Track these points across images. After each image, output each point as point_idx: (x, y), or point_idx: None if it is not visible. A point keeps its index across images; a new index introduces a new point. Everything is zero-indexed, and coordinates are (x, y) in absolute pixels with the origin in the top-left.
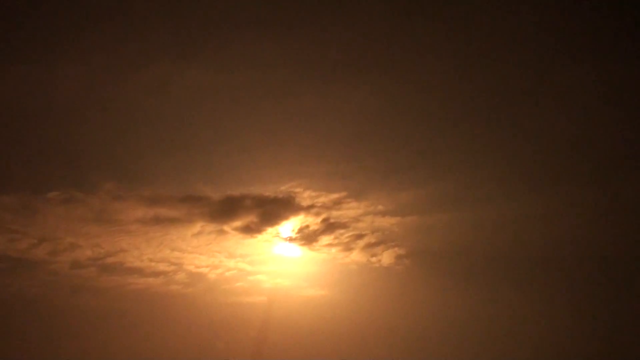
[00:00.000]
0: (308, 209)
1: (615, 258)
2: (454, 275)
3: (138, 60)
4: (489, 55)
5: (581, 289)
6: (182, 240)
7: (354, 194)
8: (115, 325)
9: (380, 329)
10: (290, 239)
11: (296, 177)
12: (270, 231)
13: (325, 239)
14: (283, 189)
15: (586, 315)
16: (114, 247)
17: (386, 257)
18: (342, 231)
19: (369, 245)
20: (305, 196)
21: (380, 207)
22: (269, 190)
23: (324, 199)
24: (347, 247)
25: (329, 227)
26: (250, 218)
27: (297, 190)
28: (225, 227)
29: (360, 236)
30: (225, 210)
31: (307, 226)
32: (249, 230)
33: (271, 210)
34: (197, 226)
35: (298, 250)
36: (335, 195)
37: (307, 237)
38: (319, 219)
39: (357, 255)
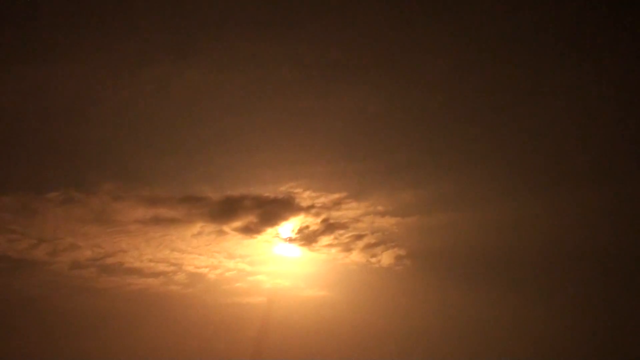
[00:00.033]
0: (308, 209)
1: (616, 258)
2: (454, 275)
3: (137, 61)
4: (489, 55)
5: (581, 289)
6: (182, 240)
7: (353, 195)
8: (114, 326)
9: (380, 330)
10: (290, 240)
11: (296, 177)
12: (269, 232)
13: (325, 240)
14: (283, 189)
15: (586, 316)
16: (113, 248)
17: (386, 258)
18: (341, 232)
19: (369, 246)
20: (305, 196)
21: (380, 208)
22: (268, 190)
23: (323, 199)
24: (347, 248)
25: (329, 227)
26: (250, 218)
27: (297, 190)
28: (225, 228)
29: (360, 237)
30: (224, 210)
31: (307, 226)
32: (249, 230)
33: (271, 211)
34: (197, 226)
35: (298, 251)
36: (335, 196)
37: (307, 238)
38: (319, 220)
39: (356, 256)
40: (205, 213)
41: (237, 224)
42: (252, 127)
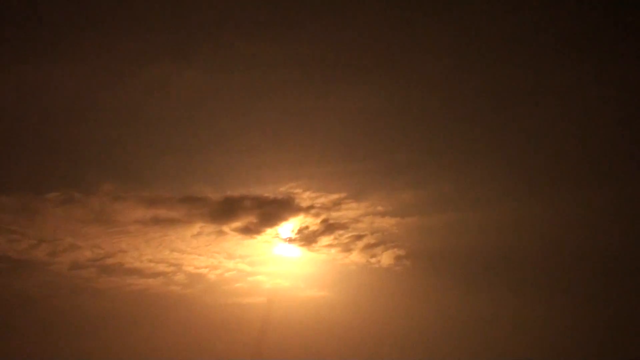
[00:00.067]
0: (307, 209)
1: (616, 258)
2: (453, 276)
3: (137, 61)
4: (489, 55)
5: (581, 290)
6: (182, 241)
7: (353, 195)
8: (114, 326)
9: (379, 330)
10: (290, 240)
11: (295, 177)
12: (269, 232)
13: (325, 240)
14: (282, 189)
15: (586, 316)
16: (113, 248)
17: (386, 258)
18: (341, 232)
19: (369, 246)
20: (304, 197)
21: (379, 208)
22: (268, 191)
23: (323, 199)
24: (347, 248)
25: (329, 227)
26: (250, 219)
27: (297, 191)
28: (225, 228)
29: (359, 237)
30: (224, 211)
31: (307, 227)
32: (249, 231)
33: (270, 211)
34: (197, 227)
35: (297, 251)
36: (334, 196)
37: (307, 238)
38: (319, 220)
39: (356, 256)
40: (205, 213)
41: (237, 224)
42: (252, 127)
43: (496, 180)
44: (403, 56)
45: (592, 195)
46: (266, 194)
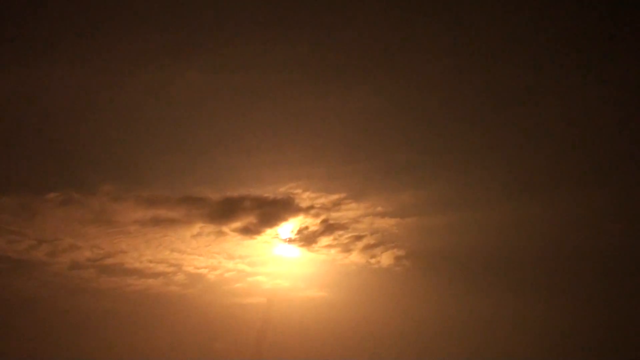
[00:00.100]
0: (307, 210)
1: (616, 259)
2: (453, 276)
3: (137, 62)
4: (489, 55)
5: (581, 290)
6: (181, 241)
7: (353, 195)
8: (114, 326)
9: (379, 330)
10: (290, 240)
11: (295, 178)
12: (269, 232)
13: (325, 240)
14: (282, 190)
15: (586, 316)
16: (113, 248)
17: (385, 258)
18: (341, 232)
19: (368, 247)
20: (304, 197)
21: (379, 208)
22: (268, 191)
23: (323, 200)
24: (347, 248)
25: (328, 228)
26: (250, 219)
27: (297, 191)
28: (225, 228)
29: (359, 237)
30: (224, 211)
31: (307, 227)
32: (248, 231)
33: (270, 212)
34: (196, 227)
35: (297, 252)
36: (334, 197)
37: (307, 238)
38: (318, 220)
39: (356, 257)
40: (204, 214)
41: (237, 224)
42: (252, 127)
43: (496, 181)
44: (403, 57)
45: (592, 195)
46: (266, 195)
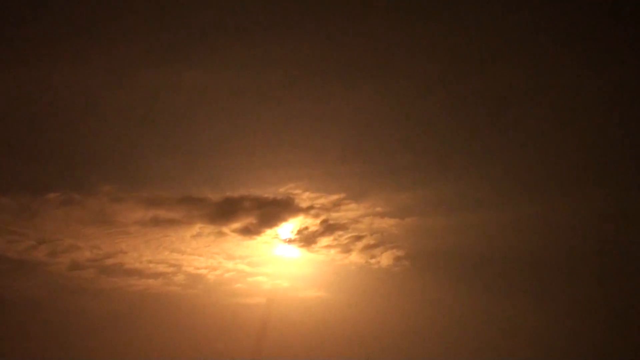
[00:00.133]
0: (307, 210)
1: (616, 259)
2: (452, 276)
3: (137, 62)
4: (489, 57)
5: (581, 290)
6: (181, 241)
7: (353, 196)
8: (114, 327)
9: (379, 330)
10: (290, 241)
11: (295, 178)
12: (269, 233)
13: (324, 241)
14: (282, 190)
15: (586, 316)
16: (113, 249)
17: (385, 259)
18: (341, 232)
19: (368, 247)
20: (304, 197)
21: (379, 209)
22: (268, 191)
23: (323, 200)
24: (346, 249)
25: (328, 228)
26: (249, 219)
27: (296, 191)
28: (224, 229)
29: (359, 237)
30: (224, 211)
31: (306, 227)
32: (248, 231)
33: (270, 212)
34: (196, 228)
35: (297, 252)
36: (334, 197)
37: (306, 239)
38: (318, 221)
39: (356, 257)
40: (204, 214)
41: (237, 225)
42: (252, 128)
43: (495, 182)
44: (403, 58)
45: (592, 197)
46: (266, 195)
